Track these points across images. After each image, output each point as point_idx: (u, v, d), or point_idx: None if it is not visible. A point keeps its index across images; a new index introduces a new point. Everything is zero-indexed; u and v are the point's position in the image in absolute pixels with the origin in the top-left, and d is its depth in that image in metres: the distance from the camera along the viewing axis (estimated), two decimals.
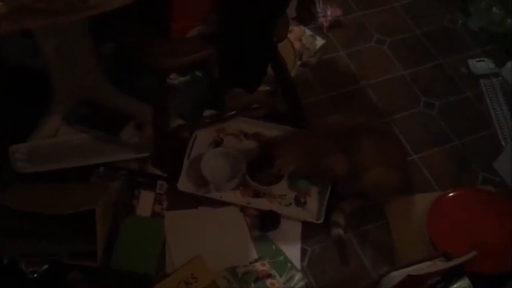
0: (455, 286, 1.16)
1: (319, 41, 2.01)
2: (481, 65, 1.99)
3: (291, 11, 2.01)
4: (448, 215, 1.57)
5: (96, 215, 1.23)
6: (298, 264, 1.49)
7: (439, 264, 1.21)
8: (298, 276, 1.46)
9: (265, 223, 1.55)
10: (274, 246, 1.52)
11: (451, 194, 1.63)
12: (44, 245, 1.24)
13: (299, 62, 1.90)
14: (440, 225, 1.56)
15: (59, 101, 1.67)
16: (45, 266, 1.23)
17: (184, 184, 1.60)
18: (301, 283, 1.45)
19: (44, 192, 1.36)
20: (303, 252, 1.52)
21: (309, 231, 1.56)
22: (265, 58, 1.40)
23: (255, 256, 1.49)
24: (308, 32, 2.01)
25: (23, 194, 1.35)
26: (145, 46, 1.34)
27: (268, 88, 1.69)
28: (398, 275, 1.15)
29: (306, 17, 2.06)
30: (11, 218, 1.25)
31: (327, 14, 2.05)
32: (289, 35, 1.87)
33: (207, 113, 1.73)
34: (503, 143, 1.78)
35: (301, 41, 1.95)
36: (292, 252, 1.51)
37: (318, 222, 1.55)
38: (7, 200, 1.26)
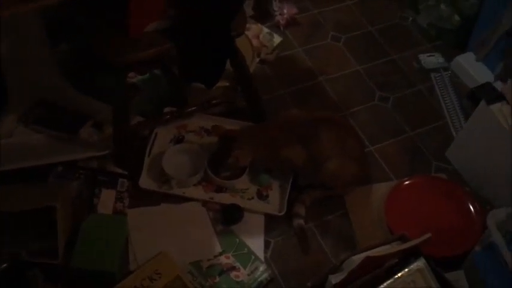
0: (412, 266, 1.21)
1: (277, 39, 2.04)
2: (431, 60, 2.07)
3: (248, 9, 2.04)
4: (404, 202, 1.63)
5: (57, 211, 1.21)
6: (261, 256, 1.51)
7: (397, 248, 1.25)
8: (262, 267, 1.48)
9: (228, 217, 1.56)
10: (237, 240, 1.53)
11: (406, 182, 1.69)
12: (2, 243, 1.21)
13: (257, 59, 1.94)
14: (397, 212, 1.61)
15: (14, 101, 1.63)
16: (4, 265, 1.21)
17: (145, 181, 1.59)
18: (265, 274, 1.47)
19: (1, 192, 1.33)
20: (266, 244, 1.54)
21: (271, 223, 1.58)
22: (224, 52, 1.42)
23: (219, 249, 1.50)
24: (265, 30, 2.04)
25: None
26: (103, 42, 1.33)
27: (227, 84, 1.71)
28: (358, 258, 1.19)
29: (263, 15, 2.10)
30: None
31: (283, 12, 2.09)
32: (246, 33, 1.92)
33: (167, 110, 1.73)
34: (454, 133, 1.86)
35: (258, 38, 1.99)
36: (256, 244, 1.53)
37: (280, 214, 1.58)
38: None
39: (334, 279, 1.19)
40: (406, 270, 1.21)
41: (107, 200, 1.51)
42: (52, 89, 1.67)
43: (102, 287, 1.32)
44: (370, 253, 1.18)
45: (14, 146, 1.56)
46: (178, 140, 1.71)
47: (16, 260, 1.22)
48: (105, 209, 1.50)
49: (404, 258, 1.23)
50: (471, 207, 1.62)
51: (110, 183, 1.55)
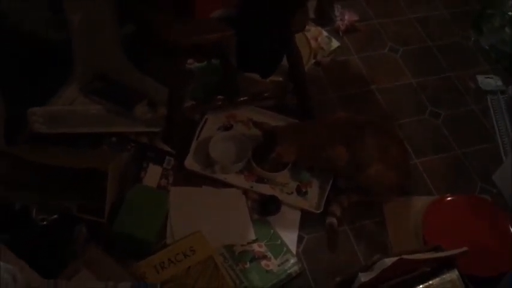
0: (444, 276, 1.20)
1: (335, 43, 2.07)
2: (488, 82, 2.04)
3: (310, 12, 2.07)
4: (444, 218, 1.61)
5: (108, 173, 1.27)
6: (293, 250, 1.53)
7: (432, 255, 1.24)
8: (293, 260, 1.50)
9: (266, 207, 1.59)
10: (272, 231, 1.56)
11: (448, 199, 1.67)
12: (55, 196, 1.29)
13: (313, 60, 1.96)
14: (435, 226, 1.59)
15: (78, 72, 1.73)
16: (55, 216, 1.28)
17: (191, 163, 1.65)
18: (295, 267, 1.49)
19: (57, 150, 1.41)
20: (300, 239, 1.56)
21: (307, 220, 1.60)
22: (282, 45, 1.46)
23: (253, 237, 1.53)
24: (324, 33, 2.07)
25: (38, 149, 1.41)
26: (166, 22, 1.39)
27: (280, 79, 1.75)
28: (390, 260, 1.19)
29: (324, 19, 2.12)
30: (25, 169, 1.31)
31: (344, 18, 2.11)
32: (306, 34, 1.95)
33: (219, 98, 1.78)
34: (503, 157, 1.82)
35: (317, 40, 2.02)
36: (289, 237, 1.55)
37: (317, 212, 1.59)
38: (20, 152, 1.32)
39: (364, 277, 1.19)
40: (438, 279, 1.20)
41: (153, 175, 1.57)
42: (114, 65, 1.76)
43: (138, 254, 1.38)
44: (404, 256, 1.18)
45: (73, 112, 1.65)
46: (227, 128, 1.76)
47: (66, 213, 1.29)
48: (150, 183, 1.56)
49: (438, 268, 1.22)
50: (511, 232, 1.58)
51: (157, 160, 1.61)
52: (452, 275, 1.20)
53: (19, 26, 1.81)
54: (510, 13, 2.04)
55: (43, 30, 1.80)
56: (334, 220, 1.57)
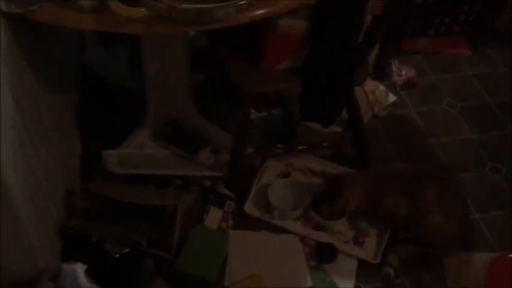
0: None
1: (392, 97, 2.11)
2: None
3: (369, 66, 2.15)
4: (506, 275, 1.56)
5: (178, 209, 1.35)
6: None
7: None
8: None
9: (323, 255, 1.60)
10: (328, 279, 1.57)
11: (510, 256, 1.62)
12: (128, 231, 1.37)
13: (370, 113, 2.01)
14: (497, 284, 1.55)
15: (150, 118, 1.86)
16: (127, 249, 1.36)
17: (250, 207, 1.70)
18: None
19: (129, 189, 1.51)
20: None
21: (364, 269, 1.60)
22: (344, 97, 1.52)
23: (310, 284, 1.54)
24: (382, 88, 2.12)
25: (112, 186, 1.52)
26: (240, 71, 1.48)
27: (339, 130, 1.80)
28: None
29: (382, 74, 2.18)
30: (101, 205, 1.41)
31: (401, 73, 2.16)
32: (364, 87, 2.02)
33: (279, 146, 1.85)
34: None
35: (374, 94, 2.07)
36: (346, 287, 1.55)
37: (374, 262, 1.59)
38: (99, 189, 1.43)
39: None
40: None
41: (214, 218, 1.64)
42: (184, 113, 1.88)
43: None
44: None
45: (144, 155, 1.76)
46: (285, 175, 1.81)
47: (137, 247, 1.37)
48: (211, 225, 1.62)
49: None
50: None
51: (218, 203, 1.68)
52: None
53: (99, 74, 1.99)
54: None
55: (122, 79, 1.98)
56: (391, 270, 1.56)
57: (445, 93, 2.18)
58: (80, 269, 1.20)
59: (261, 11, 1.15)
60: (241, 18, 1.12)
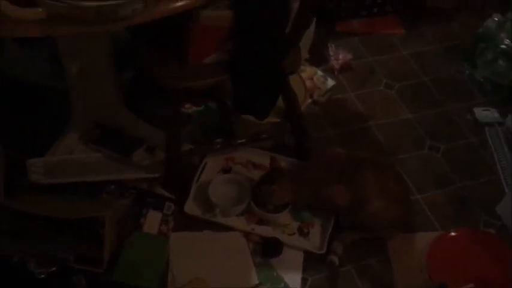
0: None
1: (330, 82, 2.09)
2: (486, 114, 2.05)
3: (304, 52, 2.11)
4: (448, 254, 1.59)
5: (106, 221, 1.27)
6: None
7: None
8: None
9: (268, 249, 1.57)
10: (275, 273, 1.53)
11: (452, 234, 1.65)
12: (52, 248, 1.28)
13: (310, 100, 1.98)
14: (439, 263, 1.57)
15: (77, 120, 1.75)
16: (53, 268, 1.27)
17: (191, 207, 1.64)
18: None
19: (55, 201, 1.41)
20: (304, 281, 1.53)
21: (310, 261, 1.57)
22: (276, 87, 1.48)
23: (256, 281, 1.51)
24: (319, 73, 2.09)
25: (35, 200, 1.41)
26: (162, 67, 1.41)
27: (277, 120, 1.76)
28: None
29: (318, 59, 2.15)
30: (22, 221, 1.30)
31: (338, 57, 2.14)
32: (301, 74, 1.98)
33: (218, 141, 1.79)
34: (506, 189, 1.81)
35: (312, 80, 2.04)
36: (293, 280, 1.53)
37: (320, 252, 1.57)
38: (19, 204, 1.32)
39: None
40: None
41: (152, 221, 1.57)
42: (113, 112, 1.78)
43: None
44: None
45: (72, 161, 1.65)
46: (226, 171, 1.76)
47: (64, 264, 1.28)
48: (151, 230, 1.55)
49: None
50: None
51: (157, 205, 1.61)
52: None
53: (18, 75, 1.84)
54: (502, 46, 2.07)
55: (41, 79, 1.84)
56: (335, 258, 1.54)
57: (382, 74, 2.17)
58: None
59: (175, 5, 1.07)
60: (152, 14, 1.04)
